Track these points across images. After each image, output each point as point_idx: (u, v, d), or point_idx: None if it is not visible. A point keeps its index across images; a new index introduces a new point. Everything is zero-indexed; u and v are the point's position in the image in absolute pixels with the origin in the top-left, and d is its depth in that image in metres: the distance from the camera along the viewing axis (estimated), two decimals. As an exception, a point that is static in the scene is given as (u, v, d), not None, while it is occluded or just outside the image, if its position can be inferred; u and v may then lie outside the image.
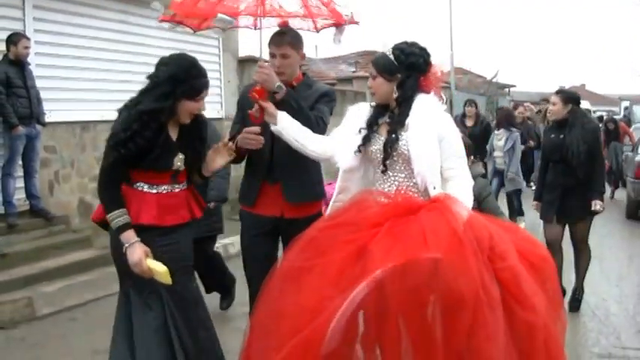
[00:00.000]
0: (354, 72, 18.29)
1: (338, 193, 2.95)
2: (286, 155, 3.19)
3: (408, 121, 2.80)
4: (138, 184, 2.87)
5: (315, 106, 3.36)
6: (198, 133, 3.01)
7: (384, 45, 2.97)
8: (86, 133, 7.42)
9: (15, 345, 4.67)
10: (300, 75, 3.44)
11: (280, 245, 3.43)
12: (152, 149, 2.80)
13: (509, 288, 2.48)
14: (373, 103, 2.99)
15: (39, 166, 6.63)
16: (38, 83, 6.43)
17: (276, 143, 3.19)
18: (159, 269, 2.75)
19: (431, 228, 2.48)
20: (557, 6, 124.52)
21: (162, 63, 2.89)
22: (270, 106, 3.01)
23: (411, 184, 2.80)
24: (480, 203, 4.27)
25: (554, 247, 5.07)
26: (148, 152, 2.80)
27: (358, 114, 2.99)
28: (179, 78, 2.81)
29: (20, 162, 6.35)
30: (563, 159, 5.10)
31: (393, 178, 2.83)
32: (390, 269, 2.38)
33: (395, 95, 2.85)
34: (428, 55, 2.90)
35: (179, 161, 2.90)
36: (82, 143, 7.41)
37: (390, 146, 2.78)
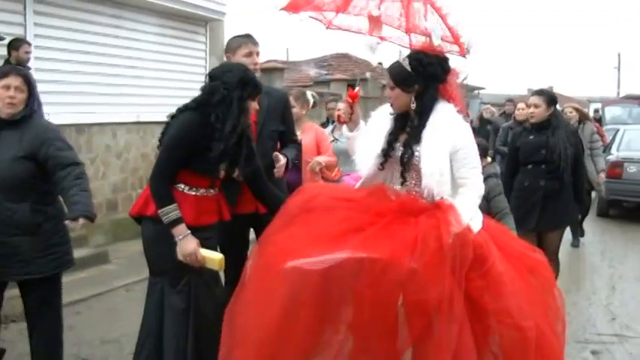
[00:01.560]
0: (326, 74, 18.51)
1: None
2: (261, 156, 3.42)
3: (424, 134, 2.83)
4: (179, 185, 3.06)
5: (286, 118, 3.79)
6: (248, 145, 3.18)
7: (400, 54, 3.00)
8: (80, 135, 7.57)
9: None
10: None
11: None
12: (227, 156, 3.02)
13: (485, 305, 2.58)
14: (392, 111, 3.01)
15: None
16: (38, 87, 6.60)
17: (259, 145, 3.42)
18: (213, 257, 2.98)
19: (423, 237, 2.57)
20: (524, 9, 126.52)
21: (225, 70, 3.08)
22: (358, 113, 3.10)
23: (421, 191, 2.88)
24: (489, 202, 4.34)
25: None
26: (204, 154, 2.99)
27: (380, 121, 3.05)
28: (246, 81, 3.03)
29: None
30: (546, 161, 4.80)
31: (406, 184, 2.92)
32: (374, 258, 2.52)
33: (413, 106, 2.87)
34: (446, 63, 2.90)
35: (222, 169, 3.08)
36: (76, 145, 7.49)
37: (407, 161, 2.86)
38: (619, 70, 44.23)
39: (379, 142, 2.95)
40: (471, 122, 8.68)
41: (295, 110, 4.81)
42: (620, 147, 10.68)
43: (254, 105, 3.15)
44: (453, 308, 2.49)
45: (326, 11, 2.96)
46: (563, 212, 4.87)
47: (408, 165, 2.86)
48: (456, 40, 2.92)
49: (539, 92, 5.06)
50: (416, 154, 2.84)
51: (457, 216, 2.67)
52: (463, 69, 3.11)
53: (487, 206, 4.37)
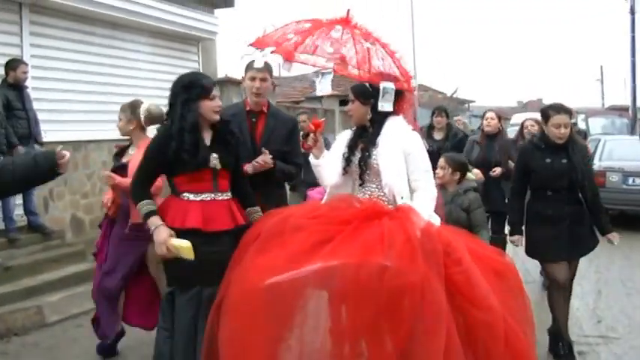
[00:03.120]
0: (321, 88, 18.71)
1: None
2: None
3: (379, 139, 3.19)
4: (184, 194, 3.25)
5: (292, 140, 4.01)
6: (228, 132, 3.41)
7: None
8: (78, 152, 7.72)
9: (30, 349, 4.95)
10: (265, 101, 4.00)
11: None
12: (189, 152, 3.20)
13: (462, 291, 2.72)
14: (354, 128, 3.39)
15: (36, 183, 6.92)
16: (34, 105, 6.75)
17: None
18: (183, 245, 3.08)
19: (389, 234, 2.76)
20: (514, 23, 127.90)
21: (172, 85, 3.34)
22: (321, 142, 3.42)
23: (382, 193, 3.17)
24: (469, 214, 4.50)
25: (566, 289, 4.47)
26: (182, 155, 3.19)
27: (343, 139, 3.39)
28: (189, 84, 3.26)
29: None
30: (568, 187, 4.33)
31: (366, 189, 3.22)
32: (344, 264, 2.67)
33: (368, 117, 3.26)
34: (397, 89, 3.25)
35: (215, 159, 3.27)
36: (73, 162, 7.64)
37: (364, 162, 3.19)
38: (602, 82, 44.83)
39: (337, 155, 3.30)
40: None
41: (119, 124, 4.48)
42: (602, 157, 10.82)
43: (212, 104, 3.30)
44: (434, 293, 2.61)
45: (286, 47, 3.21)
46: (589, 237, 4.46)
47: (366, 166, 3.18)
48: (406, 78, 3.35)
49: (567, 109, 4.40)
50: (373, 156, 3.18)
51: (417, 215, 2.94)
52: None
53: (467, 218, 4.53)
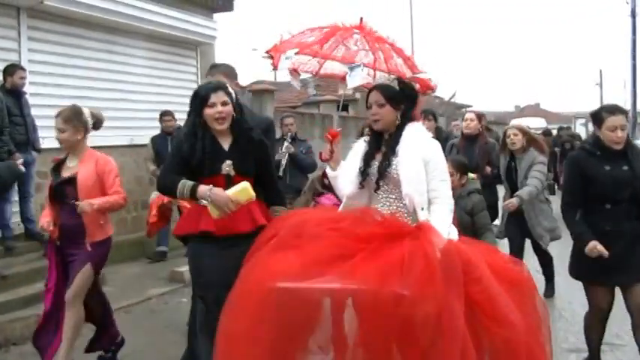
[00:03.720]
0: (315, 95, 18.68)
1: None
2: None
3: (398, 148, 3.08)
4: (201, 200, 3.29)
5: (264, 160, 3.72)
6: (246, 138, 3.44)
7: (388, 77, 3.34)
8: (76, 158, 7.65)
9: (29, 359, 4.84)
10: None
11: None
12: (201, 155, 3.30)
13: (483, 308, 2.69)
14: (366, 139, 3.28)
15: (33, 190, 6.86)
16: (32, 111, 6.70)
17: None
18: (239, 188, 3.19)
19: (409, 258, 2.69)
20: (511, 27, 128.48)
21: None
22: (338, 153, 3.31)
23: (401, 204, 3.07)
24: (473, 217, 4.46)
25: (605, 316, 4.20)
26: (198, 158, 3.30)
27: (358, 148, 3.28)
28: (196, 96, 3.41)
29: (16, 187, 6.53)
30: (630, 199, 3.86)
31: (385, 199, 3.11)
32: (362, 289, 2.63)
33: (397, 123, 3.14)
34: (416, 91, 3.29)
35: (227, 167, 3.33)
36: (71, 168, 7.65)
37: (384, 169, 3.07)
38: (601, 86, 45.01)
39: (356, 164, 3.18)
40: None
41: (65, 136, 4.16)
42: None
43: (211, 111, 3.36)
44: (454, 321, 2.57)
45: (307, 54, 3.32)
46: None
47: (385, 175, 3.06)
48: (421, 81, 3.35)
49: (622, 110, 3.98)
50: (393, 165, 3.05)
51: (437, 234, 2.85)
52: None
53: (471, 221, 4.48)
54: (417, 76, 3.44)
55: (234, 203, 3.20)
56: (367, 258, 2.72)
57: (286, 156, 6.70)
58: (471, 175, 4.81)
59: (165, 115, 8.12)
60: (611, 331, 5.18)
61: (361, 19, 3.29)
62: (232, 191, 3.20)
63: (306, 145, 7.23)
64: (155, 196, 5.40)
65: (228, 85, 3.47)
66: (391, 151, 3.08)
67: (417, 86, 3.28)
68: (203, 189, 3.23)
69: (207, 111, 3.33)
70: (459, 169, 4.63)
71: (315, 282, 2.66)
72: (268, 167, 3.58)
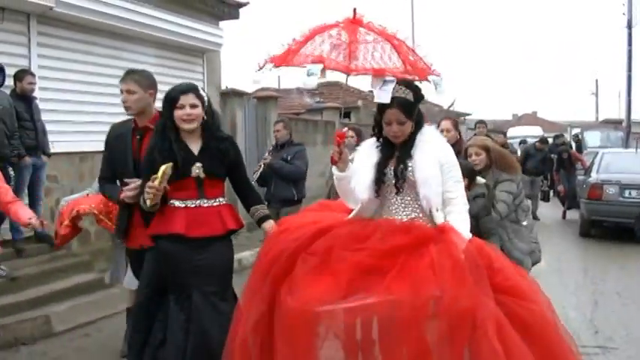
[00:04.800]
0: (318, 102, 18.78)
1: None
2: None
3: (413, 151, 3.07)
4: (171, 201, 3.41)
5: None
6: (215, 143, 3.51)
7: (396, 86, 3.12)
8: (84, 163, 7.80)
9: (38, 359, 5.02)
10: (157, 114, 3.76)
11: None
12: (161, 155, 3.37)
13: (515, 292, 2.80)
14: (377, 144, 3.21)
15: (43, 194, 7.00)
16: (42, 116, 6.84)
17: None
18: (160, 172, 3.26)
19: (438, 262, 2.75)
20: (509, 37, 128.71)
21: None
22: (346, 154, 3.19)
23: (417, 206, 3.08)
24: (478, 220, 4.42)
25: None
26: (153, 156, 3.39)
27: (367, 152, 3.24)
28: (166, 98, 3.46)
29: (26, 190, 6.68)
30: None
31: (400, 201, 3.10)
32: (401, 300, 2.68)
33: (411, 130, 3.09)
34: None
35: (197, 169, 3.41)
36: (80, 172, 7.77)
37: (401, 172, 3.04)
38: (597, 95, 45.17)
39: (369, 173, 3.12)
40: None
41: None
42: (600, 169, 10.97)
43: (180, 113, 3.42)
44: (488, 317, 2.65)
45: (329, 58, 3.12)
46: None
47: (402, 177, 3.05)
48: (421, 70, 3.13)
49: None
50: (409, 167, 3.05)
51: (458, 234, 2.93)
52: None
53: (476, 224, 4.55)
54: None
55: (154, 188, 3.27)
56: (399, 273, 2.77)
57: (261, 167, 6.67)
58: (481, 179, 4.70)
59: None
60: (604, 334, 5.36)
61: (354, 10, 3.08)
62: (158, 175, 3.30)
63: (293, 150, 6.78)
64: (65, 203, 5.22)
65: (200, 88, 3.53)
66: (407, 155, 3.08)
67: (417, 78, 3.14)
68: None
69: (176, 112, 3.39)
70: (468, 173, 4.62)
71: (352, 301, 2.72)
72: (240, 169, 3.67)
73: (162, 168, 3.27)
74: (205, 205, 3.44)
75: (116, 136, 3.86)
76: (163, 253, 3.44)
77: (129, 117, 3.93)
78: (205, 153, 3.48)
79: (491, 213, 4.60)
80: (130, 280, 4.27)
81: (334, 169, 3.21)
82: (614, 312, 6.11)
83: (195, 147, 3.48)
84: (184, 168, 3.39)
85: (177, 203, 3.41)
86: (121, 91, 3.80)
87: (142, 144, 3.73)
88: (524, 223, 4.66)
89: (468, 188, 4.63)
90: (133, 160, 3.74)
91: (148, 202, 3.31)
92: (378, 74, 3.04)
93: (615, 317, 5.92)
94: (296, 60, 3.11)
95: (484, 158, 4.68)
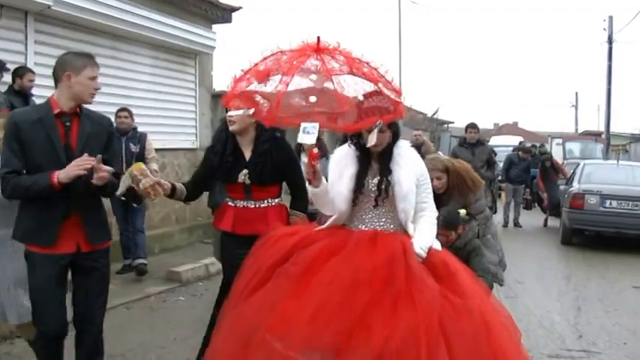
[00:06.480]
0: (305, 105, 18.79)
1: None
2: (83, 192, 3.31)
3: (392, 164, 3.17)
4: (227, 199, 3.67)
5: (111, 150, 3.49)
6: (262, 147, 3.60)
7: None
8: (78, 160, 7.81)
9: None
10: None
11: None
12: (215, 161, 3.64)
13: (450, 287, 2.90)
14: (356, 153, 3.21)
15: (36, 190, 7.02)
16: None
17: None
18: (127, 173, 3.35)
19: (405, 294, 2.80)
20: (492, 49, 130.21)
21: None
22: (319, 172, 3.17)
23: (391, 217, 3.19)
24: (466, 244, 4.35)
25: None
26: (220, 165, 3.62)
27: (343, 161, 3.25)
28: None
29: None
30: None
31: (376, 212, 3.19)
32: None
33: (389, 140, 3.18)
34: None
35: (243, 175, 3.57)
36: (74, 169, 7.79)
37: (385, 189, 3.14)
38: (576, 108, 46.01)
39: (349, 184, 3.17)
40: None
41: None
42: (582, 180, 11.18)
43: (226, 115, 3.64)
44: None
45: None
46: None
47: (384, 192, 3.13)
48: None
49: None
50: (391, 183, 3.15)
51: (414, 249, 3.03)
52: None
53: (464, 246, 4.33)
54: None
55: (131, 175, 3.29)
56: (398, 304, 2.79)
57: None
58: (462, 211, 4.55)
59: (121, 111, 7.34)
60: (587, 339, 5.54)
61: (318, 38, 3.04)
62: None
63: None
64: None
65: None
66: (387, 170, 3.17)
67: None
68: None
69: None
70: (456, 221, 4.42)
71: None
72: (286, 170, 3.73)
73: (128, 170, 3.33)
74: (252, 206, 3.63)
75: (34, 122, 3.29)
76: (221, 241, 3.81)
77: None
78: (254, 158, 3.61)
79: (476, 235, 4.47)
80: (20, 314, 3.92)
81: (309, 186, 3.22)
82: (597, 318, 6.29)
83: (247, 151, 3.64)
84: (232, 174, 3.58)
85: (230, 202, 3.68)
86: (93, 78, 3.46)
87: (72, 131, 3.35)
88: (488, 236, 4.65)
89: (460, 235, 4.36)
90: (63, 147, 3.30)
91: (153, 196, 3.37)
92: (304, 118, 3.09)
93: (598, 323, 6.10)
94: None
95: (445, 181, 4.50)
